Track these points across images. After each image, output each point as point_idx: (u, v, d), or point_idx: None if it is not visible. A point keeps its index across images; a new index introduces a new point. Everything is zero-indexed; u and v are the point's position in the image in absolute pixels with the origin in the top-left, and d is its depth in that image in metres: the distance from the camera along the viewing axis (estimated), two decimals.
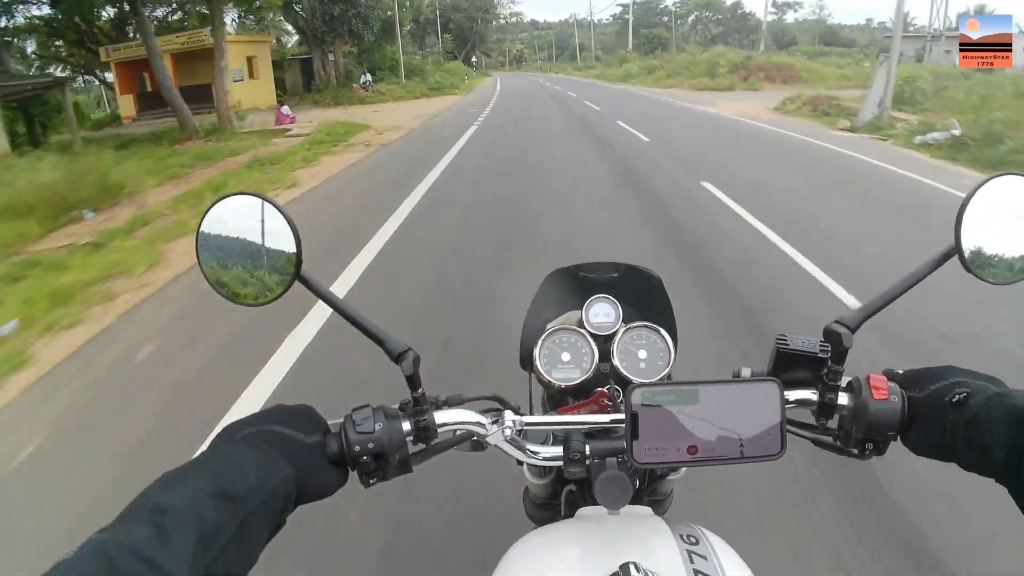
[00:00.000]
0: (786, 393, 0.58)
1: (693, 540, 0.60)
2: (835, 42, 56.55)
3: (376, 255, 4.48)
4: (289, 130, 14.17)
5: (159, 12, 27.66)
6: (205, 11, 27.20)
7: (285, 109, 15.92)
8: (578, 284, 0.88)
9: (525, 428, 0.63)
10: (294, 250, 0.57)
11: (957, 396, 0.53)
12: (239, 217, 0.58)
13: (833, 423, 0.63)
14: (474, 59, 63.79)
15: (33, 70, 24.11)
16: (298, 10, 23.80)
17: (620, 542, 0.62)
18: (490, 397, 0.69)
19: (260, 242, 0.58)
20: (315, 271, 0.59)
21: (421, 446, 0.61)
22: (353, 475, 0.56)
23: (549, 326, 0.83)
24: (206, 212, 0.58)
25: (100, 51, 25.50)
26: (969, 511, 1.80)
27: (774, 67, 25.69)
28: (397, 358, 0.59)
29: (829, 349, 0.61)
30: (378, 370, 2.32)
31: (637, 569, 0.52)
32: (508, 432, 0.62)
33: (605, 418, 0.63)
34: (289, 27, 28.64)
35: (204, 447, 0.49)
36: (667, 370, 0.77)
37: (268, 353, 2.97)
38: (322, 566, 1.72)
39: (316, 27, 22.84)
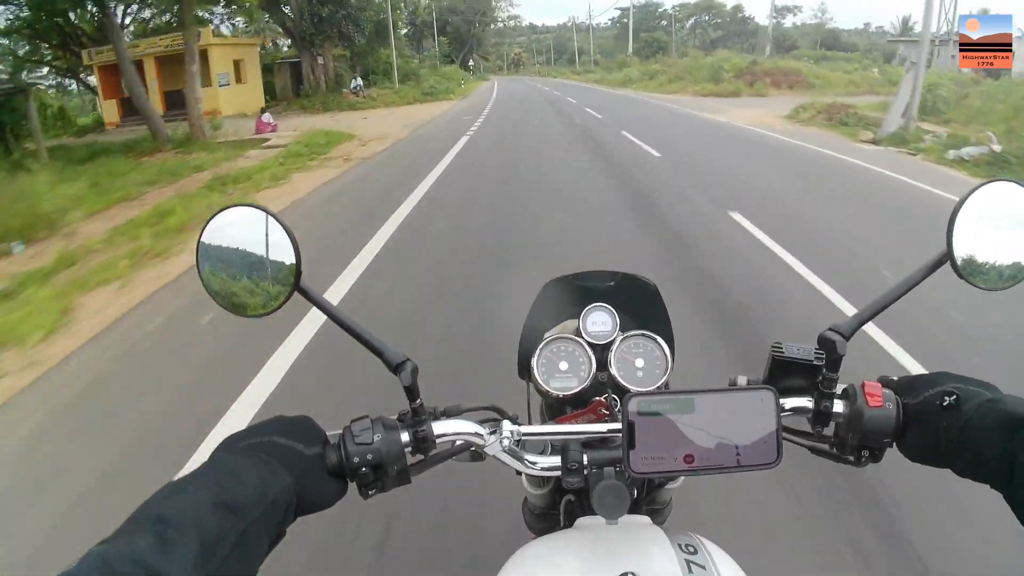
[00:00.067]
0: (782, 401, 0.59)
1: (691, 549, 0.60)
2: (836, 46, 55.80)
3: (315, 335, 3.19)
4: (268, 140, 13.19)
5: (146, 14, 26.90)
6: (197, 12, 26.40)
7: (266, 117, 14.95)
8: (575, 293, 0.88)
9: (523, 438, 0.63)
10: (293, 261, 0.58)
11: (950, 403, 0.54)
12: (240, 228, 0.58)
13: (829, 430, 0.62)
14: (471, 63, 62.88)
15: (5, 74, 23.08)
16: (287, 12, 22.81)
17: (618, 552, 0.62)
18: (488, 407, 0.67)
19: (260, 253, 0.58)
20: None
21: (419, 457, 0.61)
22: (352, 486, 0.56)
23: (547, 335, 0.83)
24: (207, 223, 0.58)
25: (83, 54, 24.62)
26: None
27: (780, 72, 24.80)
28: (395, 369, 0.59)
29: (824, 357, 0.61)
30: None
31: None
32: (506, 442, 0.62)
33: (603, 427, 0.63)
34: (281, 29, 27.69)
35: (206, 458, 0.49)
36: (664, 378, 0.77)
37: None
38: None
39: (304, 29, 21.85)
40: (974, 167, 8.71)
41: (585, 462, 0.61)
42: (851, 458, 0.60)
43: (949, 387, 0.56)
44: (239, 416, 2.51)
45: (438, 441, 0.61)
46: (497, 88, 35.09)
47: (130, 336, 3.57)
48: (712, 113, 16.21)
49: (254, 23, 25.42)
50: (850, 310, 3.41)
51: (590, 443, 0.63)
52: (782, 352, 0.63)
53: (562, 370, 0.78)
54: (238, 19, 27.82)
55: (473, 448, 0.64)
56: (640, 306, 0.87)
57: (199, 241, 0.58)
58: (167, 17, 26.52)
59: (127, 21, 28.01)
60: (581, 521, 0.72)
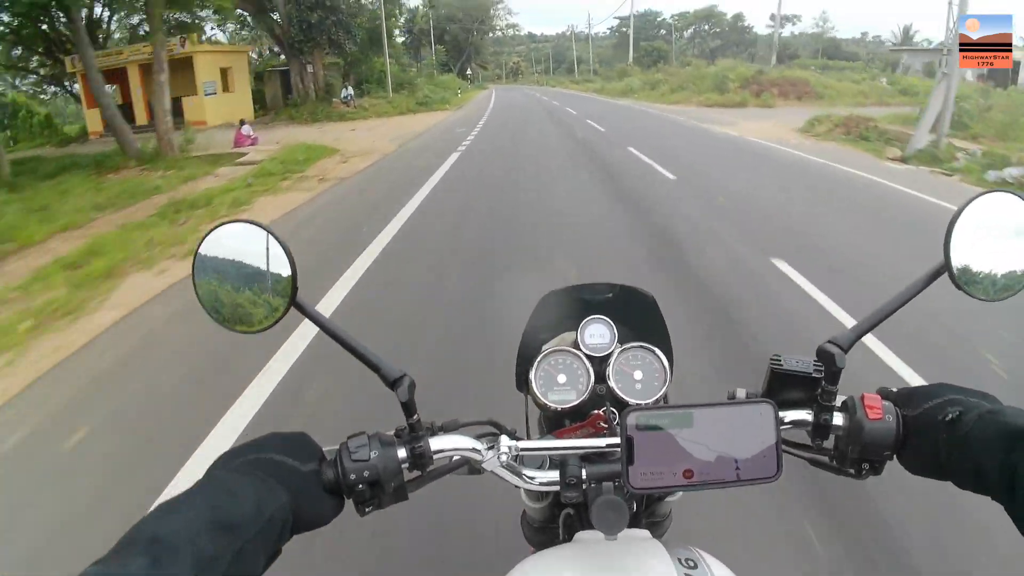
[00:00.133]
0: (781, 414, 0.59)
1: (691, 564, 0.59)
2: (837, 55, 55.17)
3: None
4: (245, 154, 12.21)
5: (134, 19, 26.02)
6: (185, 19, 25.51)
7: (246, 129, 13.96)
8: (573, 305, 0.87)
9: (521, 453, 0.63)
10: (289, 276, 0.58)
11: (950, 415, 0.53)
12: (236, 244, 0.58)
13: (829, 443, 0.62)
14: (469, 71, 62.14)
15: None
16: (275, 18, 21.88)
17: (618, 567, 0.62)
18: (486, 422, 0.67)
19: (256, 269, 0.58)
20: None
21: (417, 473, 0.60)
22: (349, 503, 0.56)
23: (545, 348, 0.83)
24: (204, 237, 0.58)
25: (66, 61, 23.75)
26: None
27: (788, 82, 23.93)
28: (392, 384, 0.59)
29: (823, 369, 0.61)
30: None
31: None
32: (504, 458, 0.62)
33: (601, 442, 0.63)
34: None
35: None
36: (663, 391, 0.76)
37: None
38: None
39: (292, 36, 20.91)
40: (1021, 190, 7.76)
41: (584, 477, 0.60)
42: (851, 471, 0.60)
43: (950, 399, 0.56)
44: None
45: (435, 457, 0.60)
46: (495, 98, 34.18)
47: None
48: (721, 126, 15.27)
49: (227, 20, 24.48)
50: None
51: (589, 457, 0.63)
52: (781, 365, 0.63)
53: (560, 383, 0.77)
54: (229, 25, 26.99)
55: (470, 463, 0.64)
56: (638, 318, 0.87)
57: (195, 256, 0.58)
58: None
59: (113, 27, 27.28)
60: (580, 535, 0.70)
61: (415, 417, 0.59)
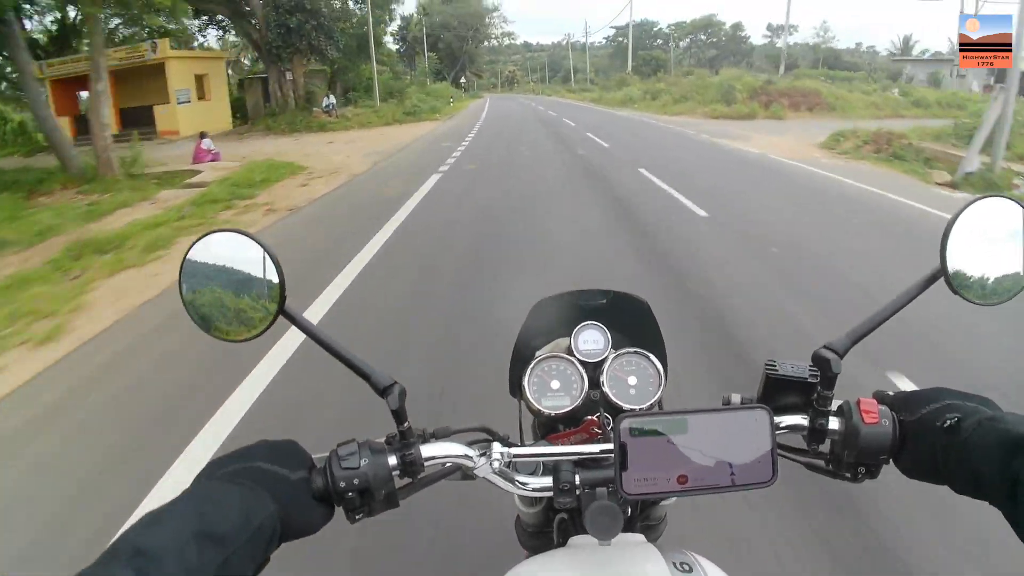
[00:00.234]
0: (776, 419, 0.58)
1: (686, 568, 0.60)
2: (837, 65, 54.27)
3: None
4: (199, 172, 10.71)
5: (114, 22, 24.53)
6: (170, 25, 24.06)
7: (206, 143, 12.43)
8: (567, 311, 0.86)
9: (513, 459, 0.63)
10: (277, 284, 0.57)
11: (949, 421, 0.53)
12: (224, 252, 0.58)
13: (825, 447, 0.62)
14: (463, 80, 60.86)
15: None
16: (253, 22, 20.42)
17: (612, 572, 0.62)
18: (478, 428, 0.66)
19: (244, 277, 0.58)
20: None
21: (408, 480, 0.60)
22: (339, 511, 0.56)
23: (538, 354, 0.82)
24: (191, 247, 0.58)
25: (35, 66, 22.20)
26: None
27: (798, 93, 22.59)
28: (383, 392, 0.58)
29: (819, 374, 0.61)
30: None
31: None
32: (496, 464, 0.61)
33: (595, 448, 0.63)
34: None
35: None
36: (657, 396, 0.75)
37: None
38: None
39: (270, 41, 19.44)
40: None
41: (577, 482, 0.61)
42: (847, 475, 0.60)
43: (948, 403, 0.55)
44: None
45: (427, 464, 0.60)
46: (488, 107, 32.80)
47: None
48: (735, 141, 13.83)
49: (209, 25, 23.04)
50: None
51: (583, 462, 0.63)
52: (776, 370, 0.63)
53: (554, 389, 0.77)
54: (211, 31, 25.49)
55: (462, 470, 0.63)
56: (632, 324, 0.86)
57: (183, 265, 0.58)
58: (135, 30, 24.32)
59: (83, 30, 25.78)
60: (574, 540, 0.71)
61: (406, 424, 0.59)
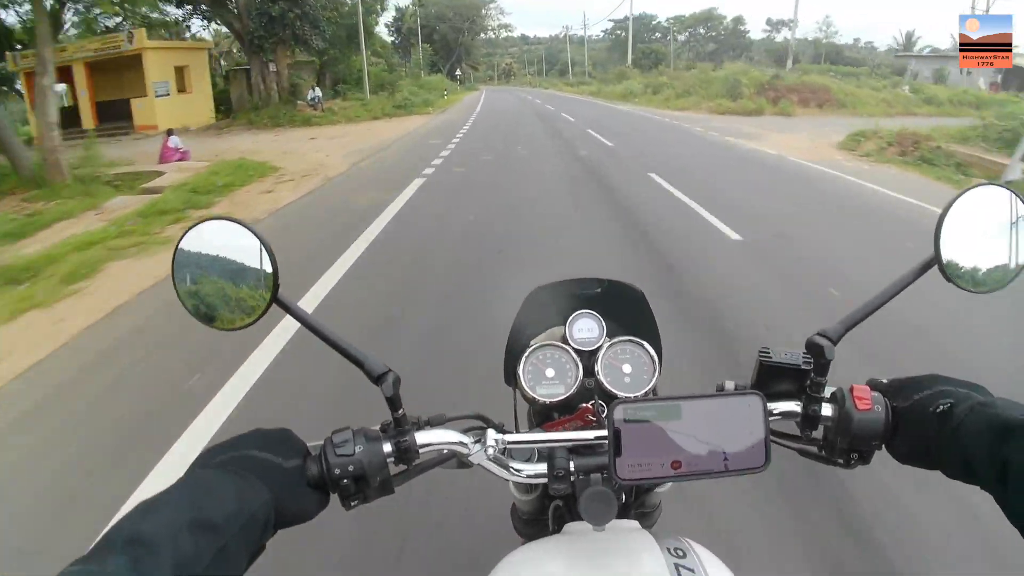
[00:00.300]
0: (770, 405, 0.59)
1: (680, 553, 0.60)
2: (839, 61, 53.30)
3: None
4: (162, 174, 9.68)
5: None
6: (143, 11, 22.88)
7: (173, 140, 11.39)
8: (561, 300, 0.86)
9: (508, 447, 0.63)
10: (271, 273, 0.57)
11: (941, 407, 0.54)
12: (216, 241, 0.58)
13: (818, 433, 0.62)
14: (459, 72, 59.59)
15: None
16: (234, 10, 19.29)
17: (606, 558, 0.62)
18: (473, 416, 0.67)
19: (236, 266, 0.57)
20: None
21: (403, 467, 0.60)
22: (334, 498, 0.56)
23: (533, 342, 0.81)
24: (182, 235, 0.57)
25: (8, 57, 21.17)
26: None
27: (807, 89, 21.60)
28: (377, 379, 0.58)
29: (812, 361, 0.61)
30: None
31: None
32: (491, 451, 0.61)
33: (589, 435, 0.63)
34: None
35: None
36: (652, 384, 0.76)
37: None
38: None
39: (252, 31, 18.33)
40: None
41: (572, 469, 0.61)
42: (840, 461, 0.60)
43: (940, 390, 0.56)
44: None
45: (421, 451, 0.60)
46: (484, 100, 31.69)
47: None
48: (748, 140, 12.85)
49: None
50: None
51: (577, 449, 0.63)
52: (770, 357, 0.63)
53: (549, 377, 0.77)
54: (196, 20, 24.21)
55: (457, 457, 0.63)
56: (627, 312, 0.85)
57: (175, 254, 0.58)
58: (116, 21, 23.14)
59: (66, 22, 24.55)
60: (570, 526, 0.71)
61: (400, 411, 0.59)
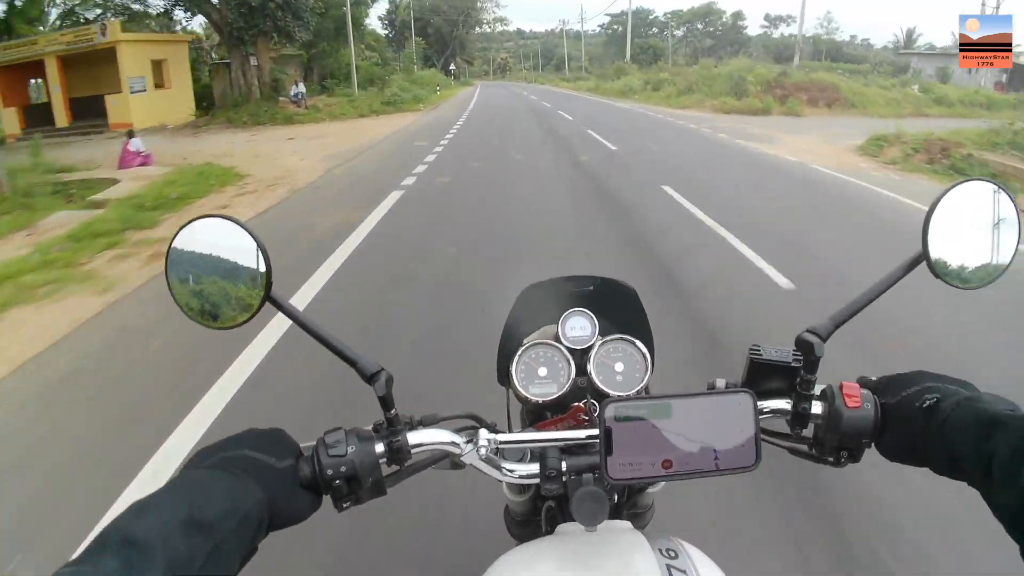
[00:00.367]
0: (760, 403, 0.59)
1: (672, 554, 0.60)
2: (840, 57, 52.49)
3: None
4: (117, 182, 8.68)
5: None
6: (128, 6, 21.77)
7: (134, 143, 10.36)
8: (554, 298, 0.85)
9: (500, 446, 0.62)
10: (264, 271, 0.57)
11: (928, 402, 0.54)
12: (209, 239, 0.58)
13: (808, 431, 0.62)
14: (452, 67, 58.37)
15: None
16: (214, 1, 18.17)
17: (598, 559, 0.61)
18: (466, 415, 0.66)
19: (230, 264, 0.57)
20: None
21: (395, 468, 0.59)
22: (327, 499, 0.55)
23: (525, 341, 0.81)
24: (176, 233, 0.57)
25: None
26: None
27: (816, 87, 20.68)
28: (370, 379, 0.58)
29: (802, 358, 0.61)
30: None
31: None
32: (483, 451, 0.61)
33: (581, 434, 0.62)
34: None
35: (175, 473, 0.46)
36: (644, 382, 0.75)
37: None
38: None
39: (231, 22, 17.24)
40: None
41: (564, 469, 0.61)
42: (830, 459, 0.60)
43: (928, 386, 0.56)
44: None
45: (414, 451, 0.59)
46: (478, 96, 30.62)
47: None
48: (761, 143, 11.92)
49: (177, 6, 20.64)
50: None
51: (569, 449, 0.63)
52: (760, 355, 0.63)
53: (541, 376, 0.76)
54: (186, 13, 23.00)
55: (450, 457, 0.63)
56: (620, 310, 0.85)
57: (169, 252, 0.58)
58: (95, 14, 22.02)
59: (51, 15, 23.37)
60: (562, 527, 0.71)
61: (393, 411, 0.59)
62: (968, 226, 0.59)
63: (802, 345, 0.60)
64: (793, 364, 0.61)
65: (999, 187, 0.60)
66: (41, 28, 22.02)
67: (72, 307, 3.95)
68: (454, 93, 34.00)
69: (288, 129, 15.28)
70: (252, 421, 0.56)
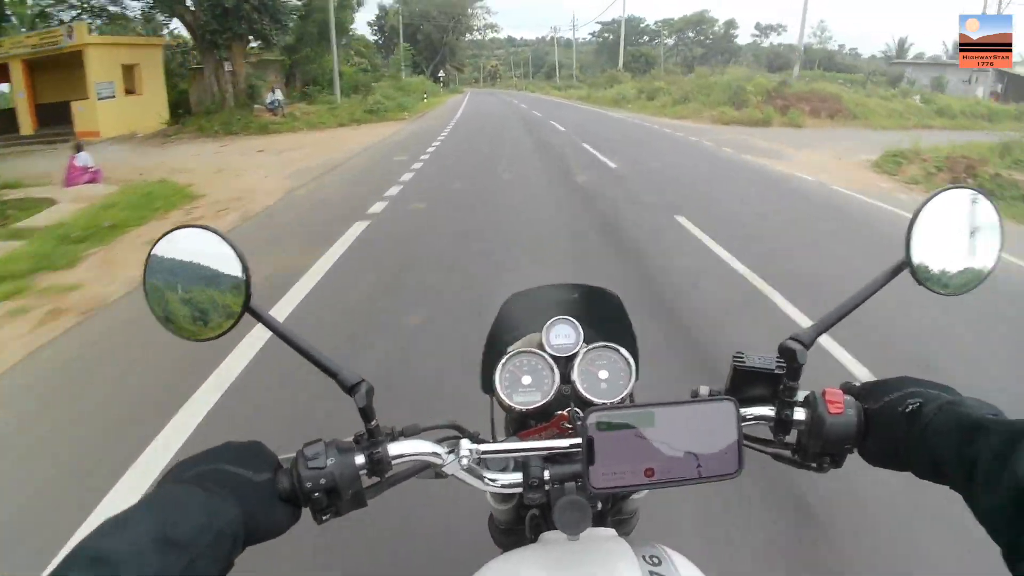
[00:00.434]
0: (743, 410, 0.59)
1: (656, 561, 0.59)
2: (833, 67, 52.23)
3: None
4: (54, 204, 7.65)
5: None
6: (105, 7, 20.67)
7: (81, 158, 9.30)
8: (538, 306, 0.85)
9: (482, 456, 0.62)
10: (243, 280, 0.56)
11: (911, 407, 0.53)
12: (189, 248, 0.57)
13: (791, 437, 0.62)
14: (442, 74, 57.48)
15: None
16: (187, 3, 17.13)
17: (581, 567, 0.61)
18: (448, 425, 0.66)
19: (210, 274, 0.57)
20: None
21: (376, 479, 0.59)
22: (306, 512, 0.55)
23: (509, 349, 0.79)
24: (154, 244, 0.57)
25: None
26: None
27: (817, 97, 20.00)
28: (350, 390, 0.57)
29: (785, 365, 0.61)
30: None
31: None
32: (464, 461, 0.60)
33: (564, 443, 0.61)
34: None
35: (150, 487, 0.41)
36: (628, 390, 0.74)
37: None
38: None
39: (204, 23, 16.21)
40: None
41: (546, 478, 0.60)
42: (813, 464, 0.60)
43: (910, 391, 0.55)
44: None
45: (395, 462, 0.59)
46: (466, 105, 29.68)
47: None
48: (770, 159, 11.09)
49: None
50: None
51: (553, 457, 0.62)
52: (743, 362, 0.62)
53: (525, 384, 0.75)
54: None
55: (431, 467, 0.62)
56: (604, 318, 0.85)
57: (147, 262, 0.57)
58: (75, 15, 20.84)
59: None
60: (545, 536, 0.69)
61: (373, 423, 0.58)
62: (951, 233, 0.59)
63: (785, 352, 0.60)
64: (776, 371, 0.61)
65: (981, 194, 0.60)
66: (15, 23, 20.74)
67: None
68: (442, 101, 33.07)
69: (261, 139, 14.27)
70: None
